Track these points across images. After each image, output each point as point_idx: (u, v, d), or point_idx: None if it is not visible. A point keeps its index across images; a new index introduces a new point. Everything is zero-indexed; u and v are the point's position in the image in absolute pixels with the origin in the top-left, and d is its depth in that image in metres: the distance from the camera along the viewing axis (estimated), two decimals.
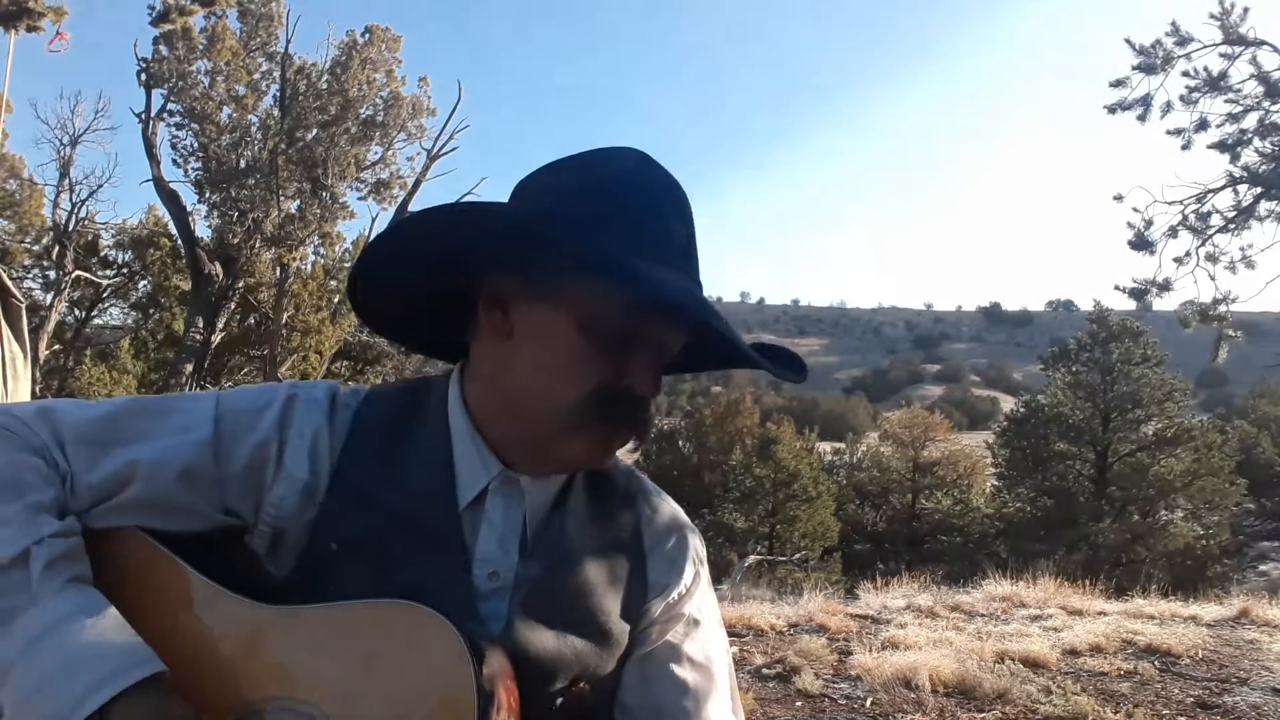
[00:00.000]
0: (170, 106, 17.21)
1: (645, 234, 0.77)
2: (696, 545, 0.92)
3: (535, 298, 0.77)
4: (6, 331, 3.50)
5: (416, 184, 18.90)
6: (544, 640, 0.78)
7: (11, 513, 0.70)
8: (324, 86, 17.38)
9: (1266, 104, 10.81)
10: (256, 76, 17.75)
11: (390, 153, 18.65)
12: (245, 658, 0.73)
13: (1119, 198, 11.48)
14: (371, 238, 0.83)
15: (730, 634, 5.26)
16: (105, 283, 21.34)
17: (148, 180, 16.79)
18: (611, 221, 0.76)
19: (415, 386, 0.87)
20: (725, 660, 0.91)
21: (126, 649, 0.67)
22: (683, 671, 0.86)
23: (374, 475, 0.80)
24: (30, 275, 20.80)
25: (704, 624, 0.90)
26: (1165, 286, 11.39)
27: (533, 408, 0.78)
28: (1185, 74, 11.15)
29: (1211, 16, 10.70)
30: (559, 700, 0.79)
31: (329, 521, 0.79)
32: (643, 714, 0.85)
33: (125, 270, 22.18)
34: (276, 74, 17.53)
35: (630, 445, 0.81)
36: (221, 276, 16.82)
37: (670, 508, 0.93)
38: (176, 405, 0.81)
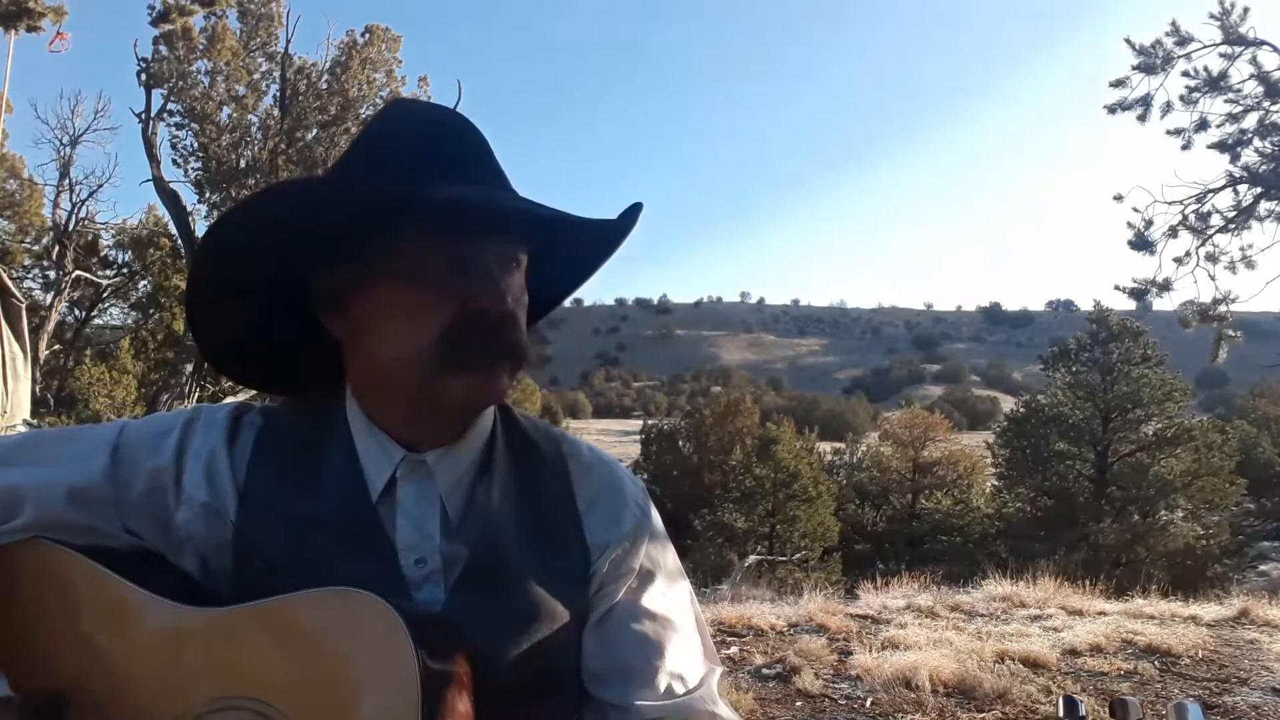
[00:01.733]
0: (170, 106, 17.20)
1: (418, 163, 0.76)
2: (637, 497, 0.90)
3: (356, 280, 0.77)
4: (6, 331, 3.50)
5: None
6: (483, 621, 0.77)
7: None
8: (324, 86, 17.37)
9: (1266, 104, 10.81)
10: (256, 76, 17.74)
11: None
12: (184, 662, 0.73)
13: (1119, 198, 11.50)
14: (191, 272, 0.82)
15: (730, 634, 5.28)
16: (105, 283, 21.35)
17: (148, 180, 16.77)
18: (379, 166, 0.77)
19: (314, 396, 0.87)
20: (686, 606, 0.89)
21: None
22: (641, 626, 0.84)
23: (285, 488, 0.80)
24: (30, 275, 20.84)
25: (657, 572, 0.88)
26: (1165, 286, 11.39)
27: (400, 373, 0.77)
28: (1185, 74, 11.16)
29: (1211, 16, 10.71)
30: (513, 678, 0.77)
31: (248, 540, 0.78)
32: (611, 677, 0.83)
33: (125, 270, 22.20)
34: (276, 74, 17.51)
35: (509, 372, 0.79)
36: None
37: (604, 465, 0.91)
38: (81, 433, 0.83)
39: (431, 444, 0.81)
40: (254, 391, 0.95)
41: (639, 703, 0.81)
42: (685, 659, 0.85)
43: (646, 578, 0.87)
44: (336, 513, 0.79)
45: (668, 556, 0.90)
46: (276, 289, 0.81)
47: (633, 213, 0.82)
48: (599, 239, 0.84)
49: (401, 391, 0.78)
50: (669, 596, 0.88)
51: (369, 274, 0.77)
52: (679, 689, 0.83)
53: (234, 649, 0.72)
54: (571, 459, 0.89)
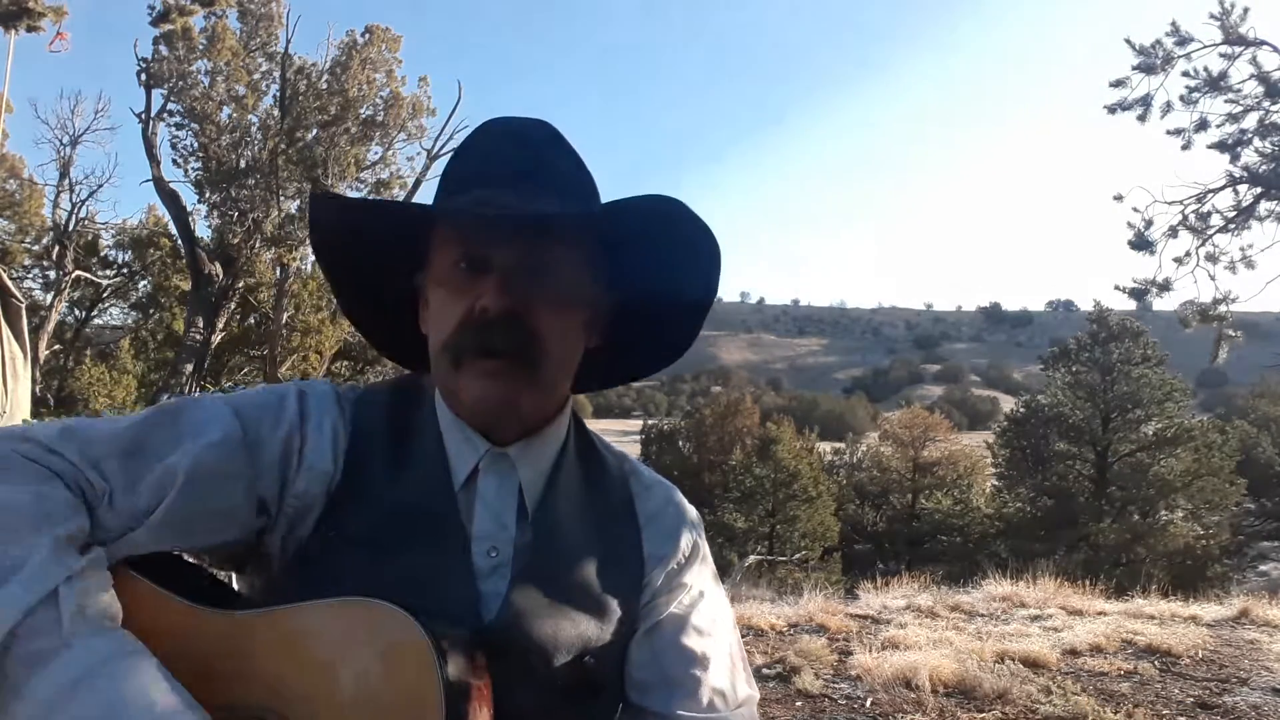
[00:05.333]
0: (170, 106, 17.21)
1: (462, 174, 0.83)
2: (693, 518, 0.94)
3: (426, 280, 0.84)
4: (6, 331, 3.50)
5: (416, 184, 18.89)
6: (543, 613, 0.79)
7: (38, 547, 0.64)
8: (324, 86, 17.37)
9: (1266, 104, 10.80)
10: (256, 76, 17.74)
11: (390, 153, 18.64)
12: (202, 665, 0.71)
13: (1119, 198, 11.47)
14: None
15: None
16: (105, 283, 21.36)
17: (148, 180, 16.79)
18: (444, 179, 0.85)
19: (407, 382, 0.90)
20: (730, 628, 0.93)
21: (170, 701, 0.64)
22: (690, 641, 0.87)
23: (377, 466, 0.82)
24: (30, 275, 20.84)
25: (707, 593, 0.91)
26: (1165, 286, 11.37)
27: (434, 370, 0.83)
28: (1185, 74, 11.14)
29: (1211, 16, 10.69)
30: (563, 674, 0.79)
31: (332, 513, 0.80)
32: (655, 688, 0.86)
33: (125, 270, 22.21)
34: (276, 74, 17.51)
35: (519, 374, 0.79)
36: (221, 276, 16.80)
37: (664, 486, 0.95)
38: (194, 407, 0.80)
39: (504, 439, 0.83)
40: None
41: (681, 713, 0.85)
42: (729, 678, 0.89)
43: (697, 597, 0.90)
44: (419, 498, 0.81)
45: (715, 582, 0.95)
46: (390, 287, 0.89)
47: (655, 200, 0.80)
48: (669, 221, 0.81)
49: (440, 384, 0.84)
50: (717, 619, 0.91)
51: (426, 272, 0.84)
52: (720, 705, 0.87)
53: (253, 655, 0.71)
54: (633, 476, 0.93)
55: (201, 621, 0.73)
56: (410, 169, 19.05)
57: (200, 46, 16.95)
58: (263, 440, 0.79)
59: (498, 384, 0.78)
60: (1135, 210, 11.36)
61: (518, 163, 0.82)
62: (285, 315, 18.31)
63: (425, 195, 20.25)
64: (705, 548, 0.94)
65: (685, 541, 0.91)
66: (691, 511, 0.94)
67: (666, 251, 0.84)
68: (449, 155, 0.91)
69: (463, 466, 0.82)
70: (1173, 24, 11.15)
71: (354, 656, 0.68)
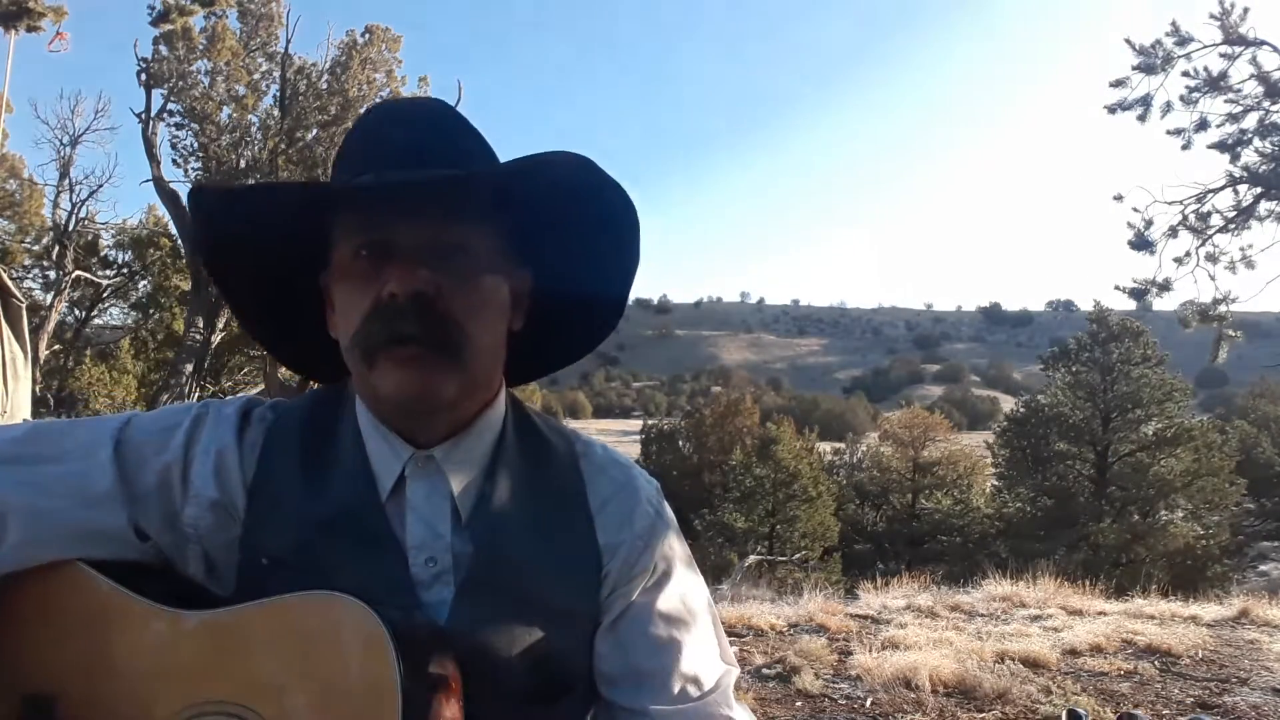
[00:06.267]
0: (170, 106, 17.19)
1: (350, 158, 0.77)
2: (650, 497, 0.88)
3: (330, 277, 0.79)
4: (6, 331, 3.50)
5: None
6: (493, 620, 0.76)
7: None
8: (324, 86, 17.35)
9: (1266, 104, 10.80)
10: (256, 76, 17.73)
11: None
12: (169, 665, 0.72)
13: (1119, 198, 11.49)
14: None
15: (730, 634, 5.25)
16: (105, 283, 21.33)
17: (148, 180, 16.76)
18: (333, 167, 0.80)
19: (328, 393, 0.86)
20: (701, 605, 0.87)
21: None
22: (656, 629, 0.83)
23: (294, 485, 0.79)
24: (30, 275, 20.80)
25: (672, 573, 0.86)
26: (1165, 286, 11.38)
27: (349, 367, 0.77)
28: (1185, 74, 11.15)
29: (1211, 16, 10.70)
30: (523, 680, 0.76)
31: (255, 537, 0.78)
32: (624, 680, 0.82)
33: (125, 270, 22.18)
34: (276, 74, 17.50)
35: (439, 362, 0.74)
36: None
37: (618, 465, 0.89)
38: (81, 427, 0.81)
39: (430, 440, 0.79)
40: (258, 389, 0.95)
41: (653, 706, 0.81)
42: (699, 662, 0.84)
43: (661, 579, 0.85)
44: (346, 511, 0.77)
45: (683, 557, 0.88)
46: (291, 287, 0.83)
47: (556, 156, 0.74)
48: (574, 185, 0.77)
49: (357, 383, 0.79)
50: (684, 597, 0.86)
51: (330, 269, 0.79)
52: (693, 692, 0.82)
53: (218, 653, 0.71)
54: (584, 459, 0.87)
55: (169, 623, 0.73)
56: None
57: (200, 46, 16.94)
58: (140, 470, 0.78)
59: (414, 371, 0.73)
60: (1135, 210, 11.40)
61: (408, 141, 0.76)
62: None
63: None
64: (668, 524, 0.87)
65: (642, 524, 0.84)
66: (648, 489, 0.88)
67: (582, 217, 0.80)
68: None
69: (388, 474, 0.78)
70: (1173, 24, 11.17)
71: (317, 650, 0.69)
